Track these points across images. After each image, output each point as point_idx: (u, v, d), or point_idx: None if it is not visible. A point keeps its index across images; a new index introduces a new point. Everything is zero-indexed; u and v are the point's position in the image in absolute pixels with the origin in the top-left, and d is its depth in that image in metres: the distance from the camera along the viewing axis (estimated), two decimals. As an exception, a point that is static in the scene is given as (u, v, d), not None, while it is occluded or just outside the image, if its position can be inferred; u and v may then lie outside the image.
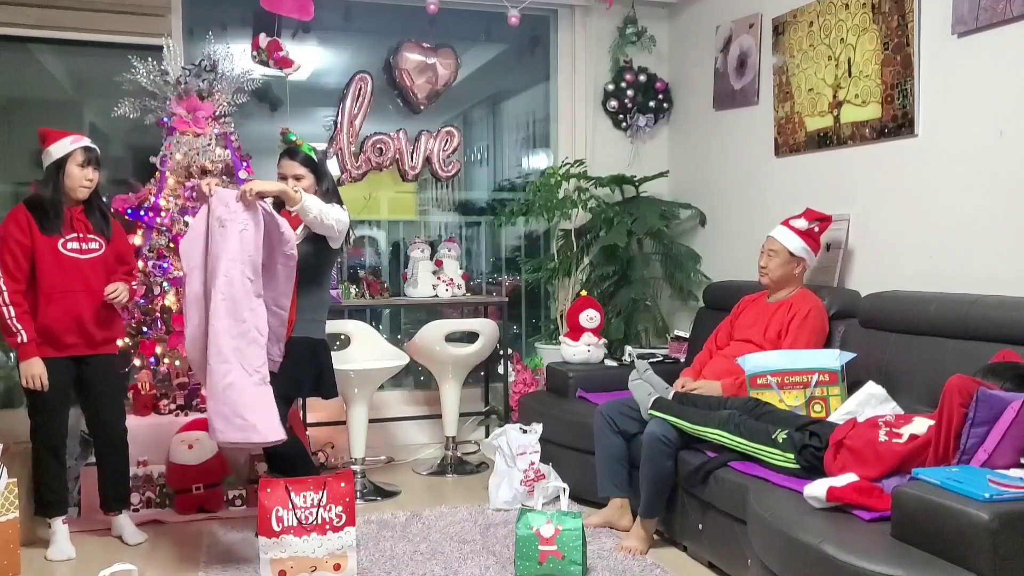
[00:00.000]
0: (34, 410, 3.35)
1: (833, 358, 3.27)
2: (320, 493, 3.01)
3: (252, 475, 3.96)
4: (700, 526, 3.17)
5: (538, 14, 5.22)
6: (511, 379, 4.83)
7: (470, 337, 4.70)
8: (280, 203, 3.41)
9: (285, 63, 4.61)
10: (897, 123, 3.59)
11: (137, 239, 4.11)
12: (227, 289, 3.03)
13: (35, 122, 3.49)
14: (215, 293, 3.03)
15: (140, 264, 4.05)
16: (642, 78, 5.23)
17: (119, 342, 3.65)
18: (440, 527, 3.66)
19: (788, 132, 4.24)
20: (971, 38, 3.25)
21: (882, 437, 2.59)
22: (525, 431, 4.01)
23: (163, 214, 4.12)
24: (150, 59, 4.22)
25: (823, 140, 4.01)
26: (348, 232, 3.42)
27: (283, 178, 3.36)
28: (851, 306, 3.58)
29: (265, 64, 4.61)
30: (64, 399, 3.40)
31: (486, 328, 4.59)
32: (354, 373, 4.11)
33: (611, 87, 5.23)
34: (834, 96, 3.93)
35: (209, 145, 4.18)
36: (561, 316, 4.97)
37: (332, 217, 3.21)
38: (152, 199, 4.15)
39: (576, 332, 4.49)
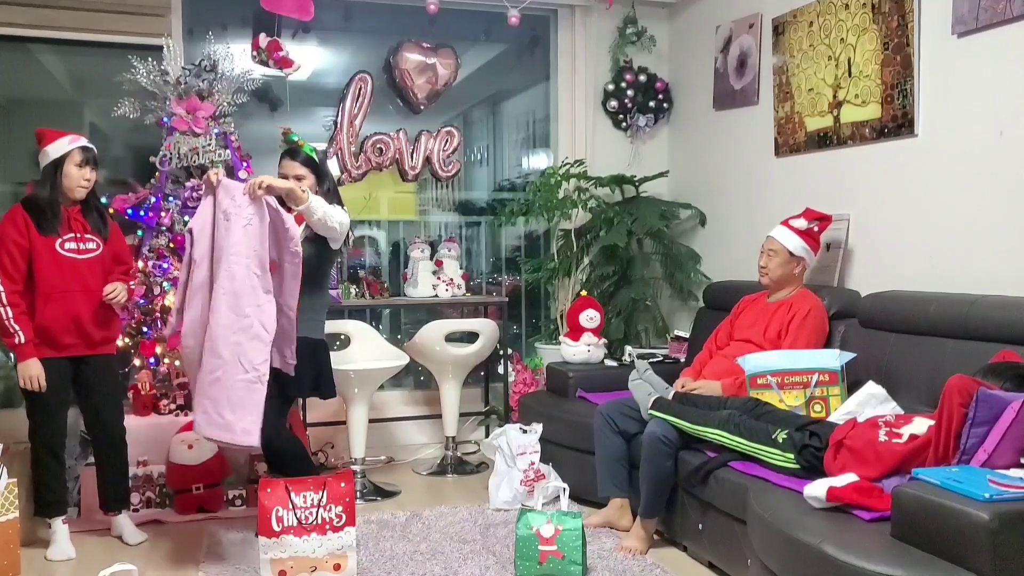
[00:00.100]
0: (33, 411, 3.35)
1: (833, 358, 3.27)
2: (320, 493, 3.01)
3: (252, 475, 3.96)
4: (700, 526, 3.17)
5: (538, 14, 5.22)
6: (511, 379, 4.83)
7: (470, 337, 4.70)
8: (281, 202, 3.42)
9: (285, 63, 4.61)
10: (897, 123, 3.59)
11: (137, 239, 4.11)
12: (228, 284, 3.04)
13: (35, 122, 3.49)
14: (217, 287, 3.05)
15: (140, 264, 4.05)
16: (642, 78, 5.23)
17: (117, 342, 3.64)
18: (440, 527, 3.66)
19: (788, 132, 4.24)
20: (971, 38, 3.25)
21: (882, 437, 2.59)
22: (525, 431, 4.01)
23: (163, 214, 4.12)
24: (150, 59, 4.22)
25: (823, 140, 4.01)
26: (348, 233, 3.42)
27: (284, 178, 3.36)
28: (851, 306, 3.58)
29: (265, 64, 4.61)
30: (63, 399, 3.40)
31: (486, 328, 4.59)
32: (354, 373, 4.11)
33: (611, 87, 5.23)
34: (834, 96, 3.93)
35: (209, 145, 4.18)
36: (561, 316, 4.97)
37: (336, 220, 3.22)
38: (152, 199, 4.15)
39: (576, 332, 4.49)
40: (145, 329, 4.09)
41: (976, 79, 3.25)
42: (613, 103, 5.23)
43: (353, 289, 4.72)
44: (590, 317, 4.48)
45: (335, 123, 4.85)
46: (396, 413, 5.04)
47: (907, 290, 3.39)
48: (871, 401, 3.02)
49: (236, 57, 4.37)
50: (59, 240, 3.31)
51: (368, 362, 4.26)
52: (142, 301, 4.05)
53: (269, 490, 2.98)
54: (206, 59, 4.27)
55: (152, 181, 4.23)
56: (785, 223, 3.68)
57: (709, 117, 4.94)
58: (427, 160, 5.00)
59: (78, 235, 3.36)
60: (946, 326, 3.06)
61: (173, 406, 4.06)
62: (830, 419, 3.06)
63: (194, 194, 4.09)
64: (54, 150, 3.31)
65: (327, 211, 3.18)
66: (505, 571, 3.17)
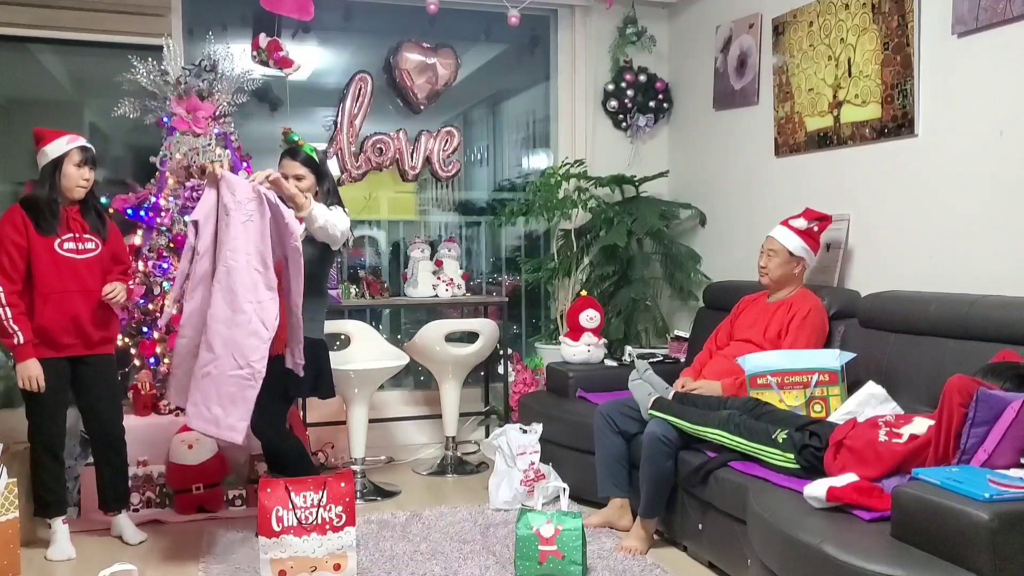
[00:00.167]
0: (32, 411, 3.35)
1: (833, 358, 3.27)
2: (320, 493, 3.01)
3: (252, 475, 3.96)
4: (700, 526, 3.17)
5: (538, 14, 5.22)
6: (511, 379, 4.83)
7: (470, 337, 4.70)
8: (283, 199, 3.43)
9: (285, 63, 4.61)
10: (897, 123, 3.59)
11: (137, 239, 4.11)
12: (225, 279, 3.06)
13: (35, 122, 3.49)
14: (214, 282, 3.07)
15: (140, 265, 4.05)
16: (642, 78, 5.23)
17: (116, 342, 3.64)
18: (440, 527, 3.66)
19: (788, 132, 4.24)
20: (971, 38, 3.25)
21: (882, 437, 2.59)
22: (525, 431, 4.01)
23: (163, 214, 4.12)
24: (150, 59, 4.22)
25: (823, 140, 4.01)
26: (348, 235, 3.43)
27: (284, 178, 3.36)
28: (851, 306, 3.58)
29: (265, 64, 4.61)
30: (62, 400, 3.39)
31: (486, 328, 4.59)
32: (354, 373, 4.11)
33: (611, 87, 5.23)
34: (834, 96, 3.93)
35: (209, 145, 4.18)
36: (561, 316, 4.97)
37: (339, 228, 3.24)
38: (152, 199, 4.15)
39: (576, 332, 4.49)
40: (145, 329, 4.09)
41: (976, 79, 3.25)
42: (613, 103, 5.23)
43: (353, 289, 4.72)
44: (590, 317, 4.49)
45: (335, 123, 4.85)
46: (396, 413, 5.04)
47: (907, 290, 3.39)
48: (871, 401, 3.02)
49: (236, 57, 4.37)
50: (58, 240, 3.30)
51: (368, 362, 4.26)
52: (142, 301, 4.05)
53: (269, 490, 2.98)
54: (206, 59, 4.27)
55: (152, 181, 4.22)
56: (785, 223, 3.68)
57: (709, 117, 4.94)
58: (427, 160, 5.00)
59: (77, 235, 3.35)
60: (946, 326, 3.06)
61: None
62: (830, 419, 3.06)
63: (194, 194, 4.09)
64: (53, 150, 3.31)
65: (329, 218, 3.19)
66: (505, 571, 3.17)
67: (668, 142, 5.38)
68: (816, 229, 3.68)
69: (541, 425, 4.03)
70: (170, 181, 4.16)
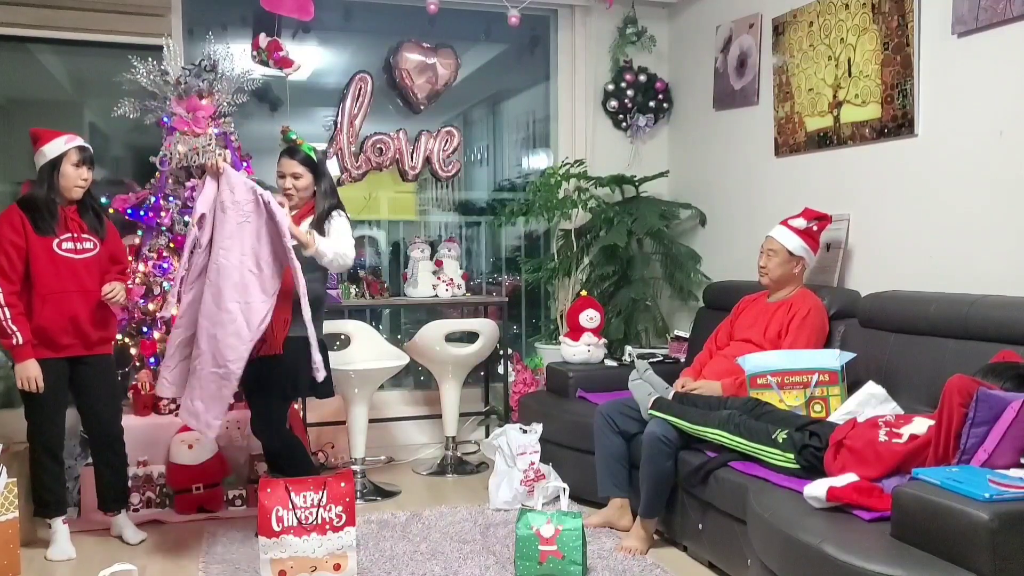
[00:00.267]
0: (31, 412, 3.34)
1: (833, 358, 3.27)
2: (320, 493, 3.01)
3: (252, 475, 3.97)
4: (700, 526, 3.17)
5: (538, 14, 5.22)
6: (511, 379, 4.83)
7: (470, 337, 4.70)
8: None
9: (285, 63, 4.61)
10: (897, 123, 3.59)
11: (137, 239, 4.11)
12: (215, 276, 3.08)
13: (35, 122, 3.49)
14: (206, 278, 3.10)
15: (140, 265, 4.05)
16: (642, 78, 5.23)
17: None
18: (440, 527, 3.66)
19: (788, 132, 4.24)
20: (971, 38, 3.25)
21: (882, 437, 2.59)
22: (525, 431, 4.01)
23: (163, 214, 4.12)
24: (150, 59, 4.22)
25: (823, 140, 4.01)
26: None
27: (282, 176, 3.37)
28: (851, 306, 3.58)
29: (265, 64, 4.61)
30: (61, 400, 3.39)
31: (486, 328, 4.59)
32: (354, 373, 4.12)
33: (611, 87, 5.23)
34: (834, 96, 3.93)
35: (209, 145, 4.18)
36: (561, 316, 4.97)
37: (349, 257, 3.28)
38: (152, 199, 4.15)
39: (576, 332, 4.49)
40: (145, 329, 4.09)
41: (976, 79, 3.25)
42: (613, 103, 5.23)
43: (353, 289, 4.72)
44: (590, 317, 4.49)
45: (335, 123, 4.85)
46: (396, 413, 5.04)
47: (907, 290, 3.39)
48: (871, 401, 3.02)
49: (236, 57, 4.36)
50: (56, 240, 3.30)
51: (368, 362, 4.26)
52: (141, 301, 4.05)
53: (269, 490, 2.98)
54: (206, 59, 4.27)
55: (152, 181, 4.22)
56: (784, 223, 3.69)
57: (709, 117, 4.94)
58: (427, 160, 5.00)
59: (75, 235, 3.35)
60: (946, 326, 3.06)
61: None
62: (830, 419, 3.06)
63: (194, 194, 4.09)
64: (51, 150, 3.31)
65: (337, 249, 3.22)
66: (505, 571, 3.17)
67: (668, 142, 5.38)
68: (815, 229, 3.68)
69: (541, 425, 4.03)
70: (170, 181, 4.16)
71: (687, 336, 4.53)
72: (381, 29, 5.04)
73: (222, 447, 3.91)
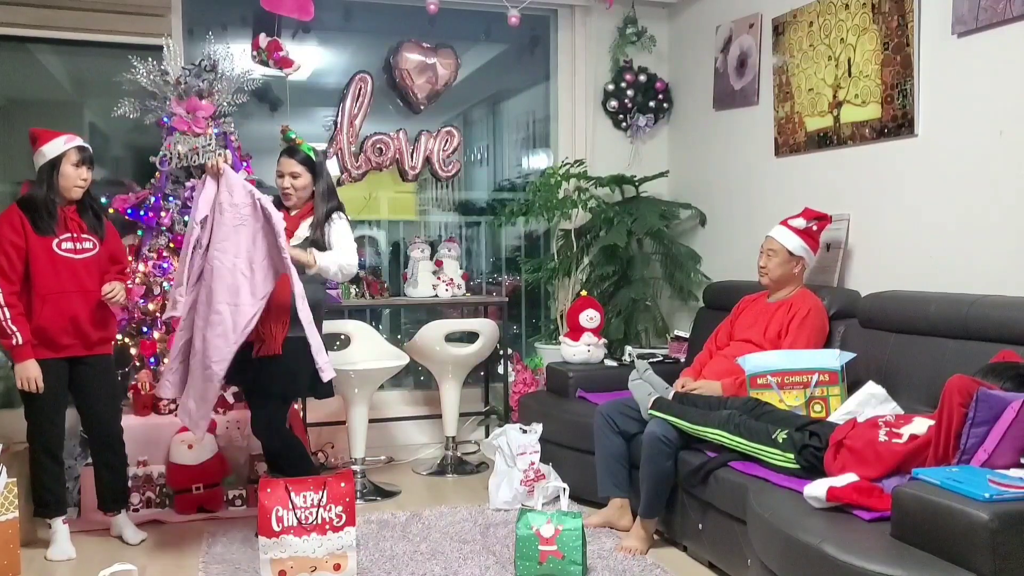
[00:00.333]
0: (31, 412, 3.34)
1: (833, 358, 3.27)
2: (320, 493, 3.01)
3: (252, 475, 3.97)
4: (700, 526, 3.17)
5: (538, 14, 5.22)
6: (511, 379, 4.83)
7: (470, 337, 4.70)
8: (279, 204, 3.42)
9: (285, 63, 4.61)
10: (897, 123, 3.59)
11: (137, 239, 4.11)
12: (208, 277, 3.10)
13: (35, 122, 3.49)
14: (201, 279, 3.12)
15: (140, 265, 4.05)
16: (642, 78, 5.23)
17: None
18: (440, 527, 3.66)
19: (788, 132, 4.24)
20: (971, 38, 3.25)
21: (882, 437, 2.59)
22: (525, 431, 4.01)
23: (163, 214, 4.12)
24: (150, 59, 4.22)
25: (823, 140, 4.01)
26: None
27: (280, 175, 3.37)
28: (851, 306, 3.58)
29: (265, 64, 4.61)
30: (61, 401, 3.39)
31: (486, 328, 4.59)
32: (354, 373, 4.12)
33: (611, 87, 5.23)
34: (834, 96, 3.93)
35: (209, 145, 4.18)
36: (561, 316, 4.97)
37: (352, 267, 3.29)
38: (152, 199, 4.15)
39: (576, 332, 4.49)
40: (145, 329, 4.09)
41: (976, 79, 3.25)
42: (613, 103, 5.23)
43: (353, 289, 4.72)
44: (590, 317, 4.49)
45: (335, 123, 4.85)
46: (396, 413, 5.04)
47: (907, 290, 3.39)
48: (871, 401, 3.02)
49: (236, 57, 4.37)
50: (56, 240, 3.30)
51: (368, 362, 4.26)
52: (141, 301, 4.05)
53: (269, 490, 2.98)
54: (206, 59, 4.27)
55: (152, 181, 4.22)
56: (784, 223, 3.69)
57: (709, 117, 4.94)
58: (427, 160, 4.99)
59: (75, 235, 3.35)
60: (946, 326, 3.06)
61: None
62: (830, 419, 3.06)
63: (193, 194, 4.09)
64: (50, 150, 3.30)
65: (341, 262, 3.23)
66: (505, 571, 3.17)
67: (668, 142, 5.38)
68: (815, 228, 3.68)
69: (541, 425, 4.03)
70: (170, 181, 4.16)
71: (687, 336, 4.53)
72: (381, 29, 5.04)
73: (222, 447, 3.91)
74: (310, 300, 3.22)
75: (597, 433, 3.64)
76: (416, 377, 5.25)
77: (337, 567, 3.00)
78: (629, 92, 5.21)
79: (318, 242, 3.29)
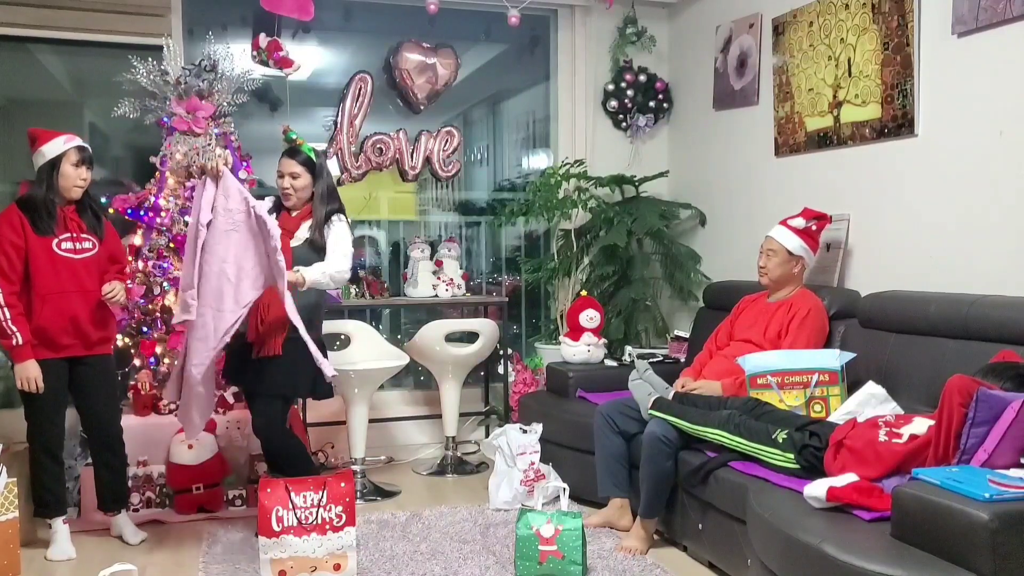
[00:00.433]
0: (31, 412, 3.34)
1: (833, 358, 3.27)
2: (320, 493, 3.01)
3: (252, 475, 3.97)
4: (700, 526, 3.17)
5: (538, 14, 5.22)
6: (511, 379, 4.83)
7: (470, 337, 4.70)
8: (279, 205, 3.42)
9: (285, 63, 4.61)
10: (897, 123, 3.59)
11: (137, 239, 4.11)
12: (197, 281, 3.11)
13: (35, 122, 3.49)
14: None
15: (140, 264, 4.05)
16: (642, 78, 5.23)
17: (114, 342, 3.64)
18: (440, 527, 3.66)
19: (788, 132, 4.24)
20: (971, 38, 3.25)
21: (882, 437, 2.59)
22: (525, 431, 4.01)
23: (163, 214, 4.12)
24: (150, 59, 4.22)
25: (823, 140, 4.01)
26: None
27: (281, 176, 3.37)
28: (851, 306, 3.58)
29: (265, 64, 4.61)
30: (61, 401, 3.38)
31: (486, 328, 4.59)
32: (354, 373, 4.11)
33: (611, 87, 5.23)
34: (834, 96, 3.93)
35: (209, 145, 4.18)
36: (561, 316, 4.97)
37: (345, 275, 3.27)
38: (152, 199, 4.15)
39: (576, 332, 4.49)
40: (145, 329, 4.09)
41: (976, 79, 3.25)
42: (613, 103, 5.23)
43: (353, 289, 4.72)
44: (590, 317, 4.49)
45: (335, 123, 4.85)
46: (396, 413, 5.04)
47: (907, 290, 3.39)
48: (871, 401, 3.02)
49: (236, 57, 4.36)
50: (55, 240, 3.29)
51: (368, 362, 4.25)
52: (142, 301, 4.05)
53: (269, 490, 2.98)
54: (206, 59, 4.27)
55: (152, 181, 4.22)
56: (783, 223, 3.69)
57: (709, 117, 4.94)
58: (427, 160, 4.99)
59: (74, 235, 3.34)
60: (946, 326, 3.06)
61: (173, 406, 4.06)
62: (830, 419, 3.06)
63: (193, 194, 4.09)
64: (50, 150, 3.30)
65: (329, 270, 3.20)
66: (505, 571, 3.17)
67: (668, 142, 5.38)
68: (815, 228, 3.68)
69: (541, 425, 4.03)
70: (170, 181, 4.16)
71: (687, 336, 4.53)
72: (381, 29, 5.04)
73: (222, 447, 3.91)
74: (309, 300, 3.22)
75: (597, 433, 3.64)
76: (416, 377, 5.25)
77: (337, 567, 3.00)
78: (629, 92, 5.21)
79: (316, 243, 3.29)
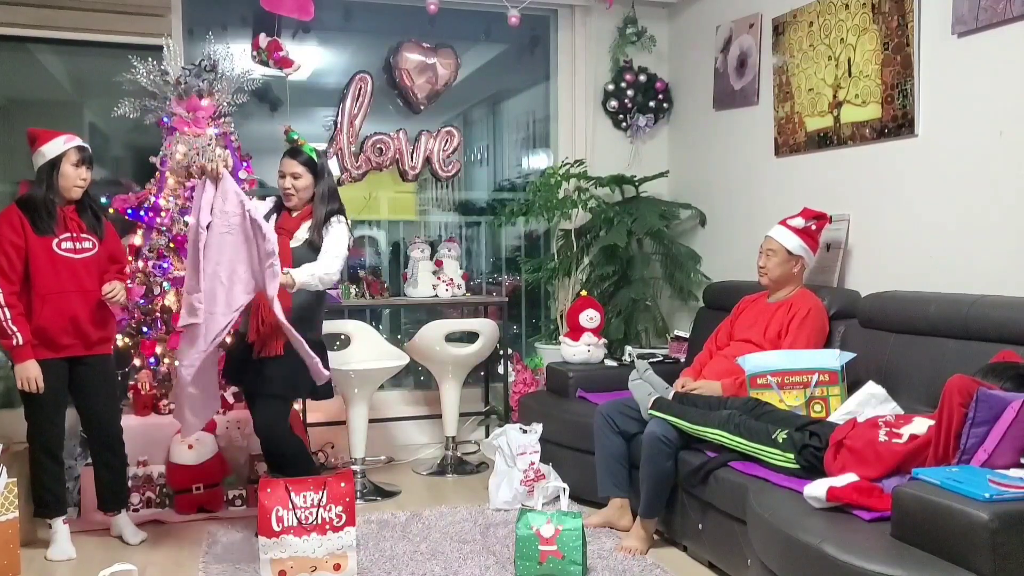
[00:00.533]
0: (31, 412, 3.34)
1: (833, 358, 3.27)
2: (320, 493, 3.01)
3: (252, 475, 3.96)
4: (700, 526, 3.17)
5: (538, 14, 5.22)
6: (511, 379, 4.83)
7: (470, 337, 4.70)
8: (280, 205, 3.42)
9: (285, 63, 4.61)
10: (897, 123, 3.59)
11: (137, 239, 4.11)
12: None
13: (35, 122, 3.49)
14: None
15: (140, 264, 4.05)
16: (642, 78, 5.23)
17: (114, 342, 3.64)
18: (440, 527, 3.66)
19: (788, 132, 4.24)
20: (971, 38, 3.25)
21: (882, 437, 2.59)
22: (525, 431, 4.01)
23: (163, 214, 4.12)
24: (150, 59, 4.21)
25: (823, 140, 4.01)
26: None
27: (282, 176, 3.37)
28: (851, 306, 3.58)
29: (265, 64, 4.61)
30: (61, 401, 3.38)
31: (486, 328, 4.59)
32: (354, 373, 4.12)
33: (611, 87, 5.23)
34: (834, 96, 3.93)
35: (209, 145, 4.18)
36: (561, 316, 4.97)
37: (335, 274, 3.23)
38: (152, 199, 4.15)
39: (576, 332, 4.49)
40: (145, 329, 4.09)
41: (976, 79, 3.25)
42: (613, 103, 5.23)
43: (353, 289, 4.72)
44: (590, 317, 4.49)
45: (335, 123, 4.85)
46: (396, 413, 5.04)
47: (907, 290, 3.39)
48: (871, 401, 3.02)
49: (236, 57, 4.36)
50: (55, 240, 3.29)
51: (368, 362, 4.26)
52: (142, 301, 4.05)
53: (269, 490, 2.98)
54: (206, 59, 4.26)
55: (152, 181, 4.22)
56: (783, 223, 3.69)
57: (709, 117, 4.94)
58: (427, 160, 4.99)
59: (74, 235, 3.34)
60: (946, 326, 3.06)
61: (173, 406, 4.05)
62: (830, 419, 3.06)
63: (193, 194, 4.09)
64: (50, 150, 3.30)
65: (317, 272, 3.16)
66: (505, 571, 3.17)
67: (668, 142, 5.38)
68: (814, 228, 3.68)
69: (541, 425, 4.03)
70: (170, 181, 4.16)
71: (687, 336, 4.53)
72: (381, 29, 5.04)
73: (222, 447, 3.91)
74: (304, 300, 3.23)
75: (597, 433, 3.64)
76: (416, 377, 5.25)
77: (337, 567, 3.00)
78: (629, 92, 5.21)
79: (315, 244, 3.29)
